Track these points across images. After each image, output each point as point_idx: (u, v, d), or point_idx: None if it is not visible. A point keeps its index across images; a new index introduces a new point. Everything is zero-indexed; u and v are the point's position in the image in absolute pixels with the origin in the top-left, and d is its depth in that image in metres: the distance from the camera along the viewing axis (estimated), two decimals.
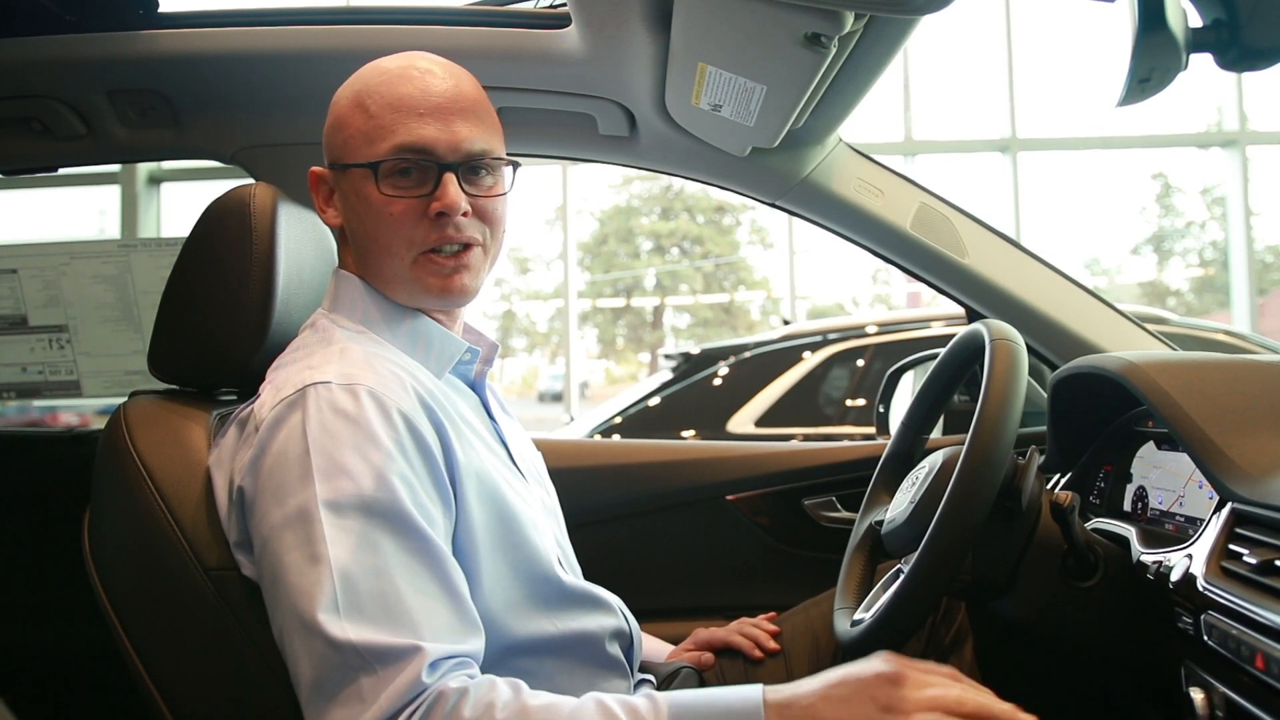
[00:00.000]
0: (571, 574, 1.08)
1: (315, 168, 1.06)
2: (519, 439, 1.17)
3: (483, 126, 1.01)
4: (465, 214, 0.99)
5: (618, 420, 3.76)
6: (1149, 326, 1.59)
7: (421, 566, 0.85)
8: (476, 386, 1.13)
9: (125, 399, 1.09)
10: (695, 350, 3.97)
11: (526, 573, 0.99)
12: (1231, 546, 0.90)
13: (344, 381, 0.90)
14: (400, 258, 1.00)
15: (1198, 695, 0.87)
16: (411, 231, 0.98)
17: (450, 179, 0.98)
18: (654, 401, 3.81)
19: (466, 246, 1.01)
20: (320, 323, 1.03)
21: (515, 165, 1.06)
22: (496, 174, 1.04)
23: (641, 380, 8.57)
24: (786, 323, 4.41)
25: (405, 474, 0.88)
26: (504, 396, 1.22)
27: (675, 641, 1.36)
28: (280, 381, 0.94)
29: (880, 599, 1.09)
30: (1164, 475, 1.17)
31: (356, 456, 0.86)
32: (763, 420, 3.64)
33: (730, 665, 1.29)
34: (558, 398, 15.51)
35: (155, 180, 8.02)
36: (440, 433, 0.94)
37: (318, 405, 0.88)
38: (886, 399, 1.87)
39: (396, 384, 0.92)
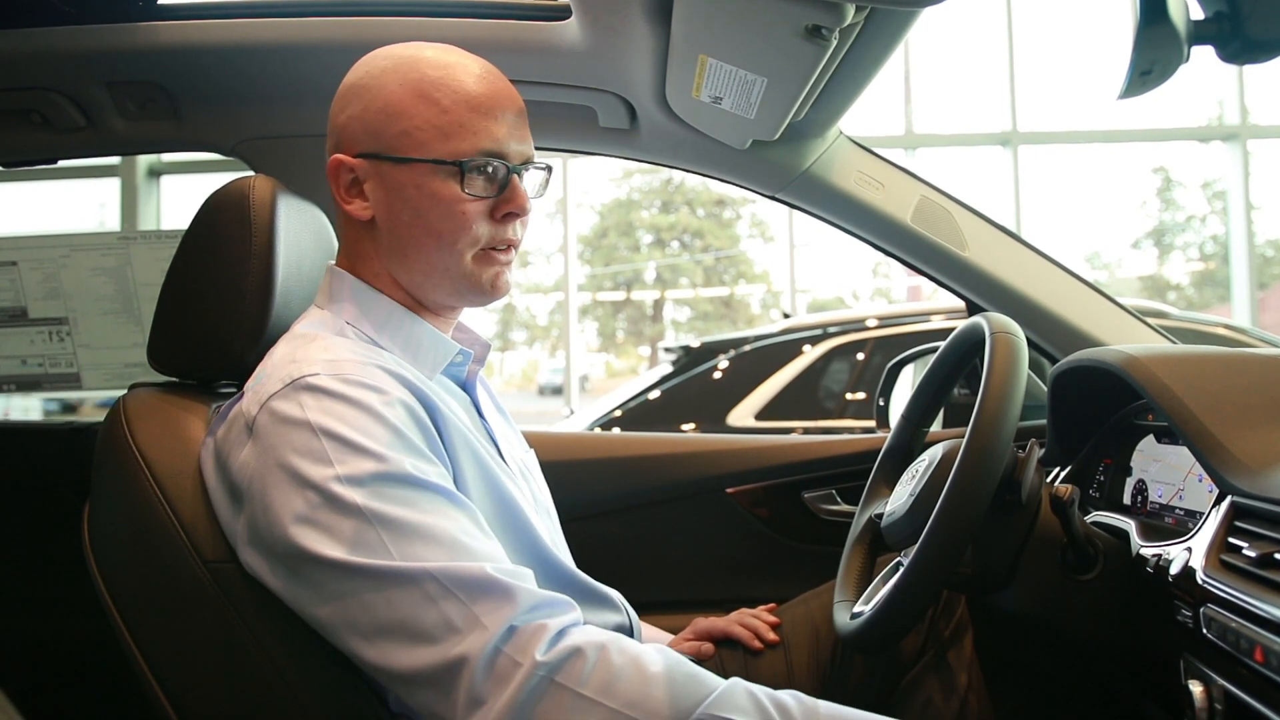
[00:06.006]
0: None
1: (340, 155, 1.01)
2: (510, 439, 1.16)
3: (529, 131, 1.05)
4: None
5: (618, 414, 3.76)
6: (1149, 320, 1.59)
7: (459, 513, 0.86)
8: (467, 386, 1.13)
9: (125, 391, 1.09)
10: (695, 344, 3.97)
11: (531, 555, 1.00)
12: (1231, 540, 0.90)
13: (333, 372, 0.90)
14: (463, 254, 1.00)
15: (1196, 688, 0.87)
16: (478, 230, 1.00)
17: (519, 182, 1.01)
18: (654, 395, 3.80)
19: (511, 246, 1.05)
20: (310, 319, 1.03)
21: (549, 169, 1.08)
22: (535, 178, 1.06)
23: (641, 374, 8.57)
24: (787, 316, 4.40)
25: (414, 446, 0.88)
26: (501, 390, 1.22)
27: (674, 634, 1.36)
28: (267, 377, 0.94)
29: (880, 592, 1.09)
30: (1164, 469, 1.17)
31: (363, 436, 0.86)
32: (763, 414, 3.64)
33: (730, 656, 1.29)
34: (558, 391, 15.52)
35: (155, 173, 8.00)
36: (434, 416, 0.94)
37: (314, 395, 0.88)
38: (886, 392, 1.87)
39: (385, 376, 0.92)
